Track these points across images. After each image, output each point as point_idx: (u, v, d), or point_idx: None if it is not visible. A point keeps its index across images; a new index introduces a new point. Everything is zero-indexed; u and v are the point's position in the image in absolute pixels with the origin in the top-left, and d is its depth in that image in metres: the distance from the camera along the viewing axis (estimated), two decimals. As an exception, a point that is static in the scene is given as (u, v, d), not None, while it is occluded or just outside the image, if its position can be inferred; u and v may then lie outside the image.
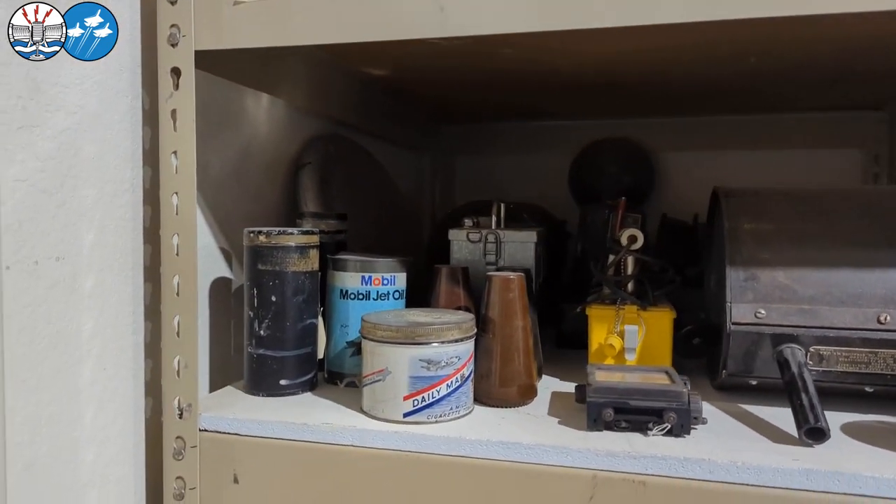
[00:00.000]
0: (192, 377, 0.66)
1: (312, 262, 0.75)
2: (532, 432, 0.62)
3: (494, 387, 0.70)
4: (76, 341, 0.63)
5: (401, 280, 0.79)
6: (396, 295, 0.78)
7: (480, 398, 0.70)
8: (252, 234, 0.73)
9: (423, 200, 1.46)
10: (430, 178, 1.48)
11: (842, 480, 0.53)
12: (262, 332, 0.72)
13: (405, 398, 0.64)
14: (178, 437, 0.67)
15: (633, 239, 0.78)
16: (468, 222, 0.87)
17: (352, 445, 0.63)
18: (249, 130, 0.86)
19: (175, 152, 0.66)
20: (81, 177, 0.63)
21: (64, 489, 0.62)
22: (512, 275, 0.71)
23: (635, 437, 0.61)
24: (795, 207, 0.71)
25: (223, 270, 0.81)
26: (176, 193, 0.66)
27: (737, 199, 0.73)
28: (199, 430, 0.67)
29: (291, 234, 0.73)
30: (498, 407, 0.70)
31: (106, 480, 0.66)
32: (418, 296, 0.81)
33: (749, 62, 0.92)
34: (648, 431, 0.61)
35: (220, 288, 0.79)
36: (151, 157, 0.71)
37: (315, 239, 0.75)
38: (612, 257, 0.81)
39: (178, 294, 0.66)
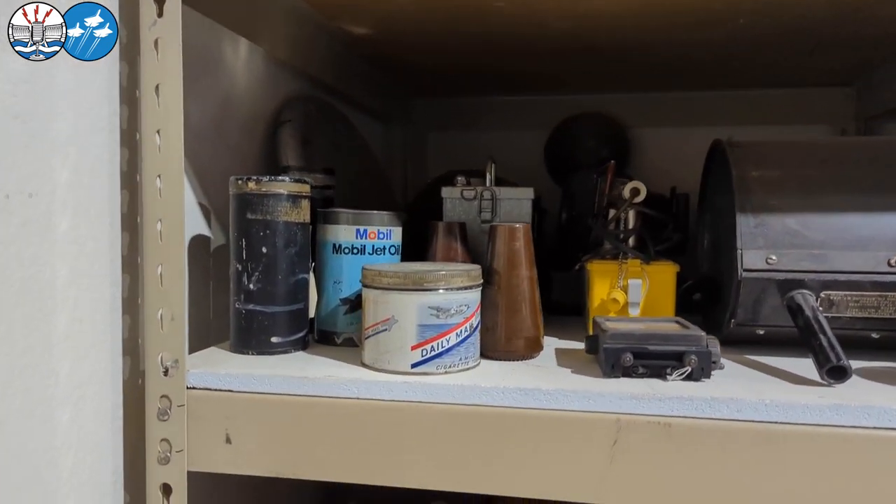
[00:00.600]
0: (179, 331, 0.61)
1: (304, 213, 0.70)
2: (548, 381, 0.59)
3: (500, 340, 0.67)
4: (50, 289, 0.57)
5: (396, 234, 0.75)
6: (392, 250, 0.74)
7: (485, 352, 0.67)
8: (240, 182, 0.68)
9: (395, 175, 1.42)
10: (402, 152, 1.44)
11: (872, 414, 0.52)
12: (251, 286, 0.67)
13: (413, 348, 0.61)
14: (162, 397, 0.61)
15: (636, 192, 0.77)
16: (461, 180, 0.84)
17: (357, 398, 0.59)
18: (228, 81, 0.81)
19: (158, 86, 0.60)
20: (56, 108, 0.57)
21: (38, 452, 0.56)
22: (517, 224, 0.68)
23: (655, 382, 0.58)
24: (801, 156, 0.71)
25: (201, 227, 0.75)
26: (159, 131, 0.61)
27: (742, 148, 0.72)
28: (187, 387, 0.61)
29: (283, 181, 0.68)
30: (504, 360, 0.67)
31: (82, 444, 0.60)
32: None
33: (738, 23, 0.92)
34: (668, 376, 0.59)
35: (198, 246, 0.74)
36: (128, 94, 0.65)
37: (307, 189, 0.70)
38: (612, 212, 0.79)
39: (161, 240, 0.61)
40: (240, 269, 0.68)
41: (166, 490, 0.61)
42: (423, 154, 1.48)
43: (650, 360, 0.59)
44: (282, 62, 0.92)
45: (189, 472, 0.61)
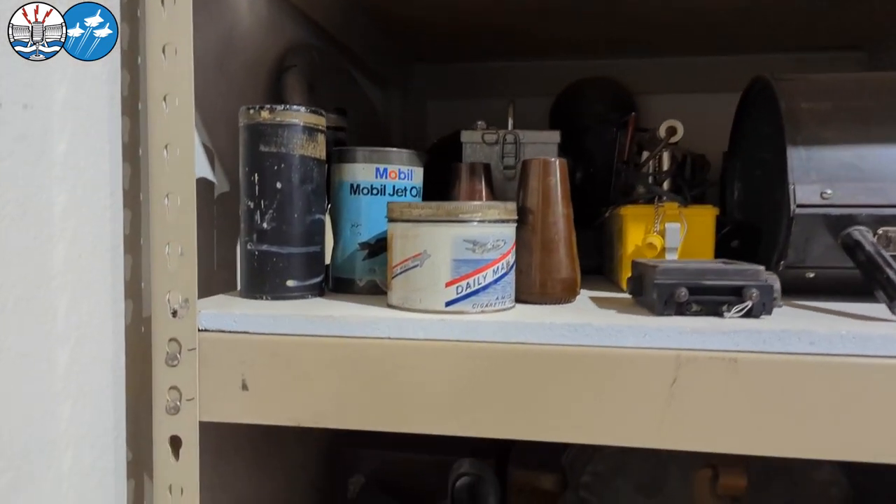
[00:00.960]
0: (189, 267, 0.55)
1: (320, 148, 0.65)
2: (596, 318, 0.54)
3: (535, 283, 0.62)
4: (48, 216, 0.51)
5: (417, 176, 0.70)
6: (413, 192, 0.69)
7: (519, 296, 0.62)
8: (252, 111, 0.62)
9: (394, 143, 1.37)
10: (401, 119, 1.39)
11: (956, 345, 0.48)
12: (264, 225, 0.62)
13: (447, 284, 0.55)
14: (171, 340, 0.56)
15: (672, 131, 0.72)
16: (481, 124, 0.79)
17: (388, 338, 0.54)
18: (231, 18, 0.75)
19: (165, -4, 0.54)
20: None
21: (35, 397, 0.50)
22: (552, 158, 0.64)
23: (712, 320, 0.54)
24: (852, 88, 0.67)
25: (205, 171, 0.69)
26: (165, 46, 0.55)
27: (789, 81, 0.68)
28: (199, 330, 0.56)
29: (298, 111, 0.62)
30: (540, 304, 0.62)
31: (82, 392, 0.54)
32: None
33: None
34: (725, 313, 0.55)
35: (200, 191, 0.68)
36: (129, 12, 0.59)
37: (323, 121, 0.65)
38: (646, 154, 0.75)
39: (167, 167, 0.55)
40: (251, 206, 0.62)
41: (175, 443, 0.56)
42: (422, 122, 1.43)
43: (706, 296, 0.55)
44: (285, 1, 0.86)
45: (201, 423, 0.55)
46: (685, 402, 0.50)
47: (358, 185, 0.67)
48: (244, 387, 0.55)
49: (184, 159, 0.55)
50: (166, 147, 0.55)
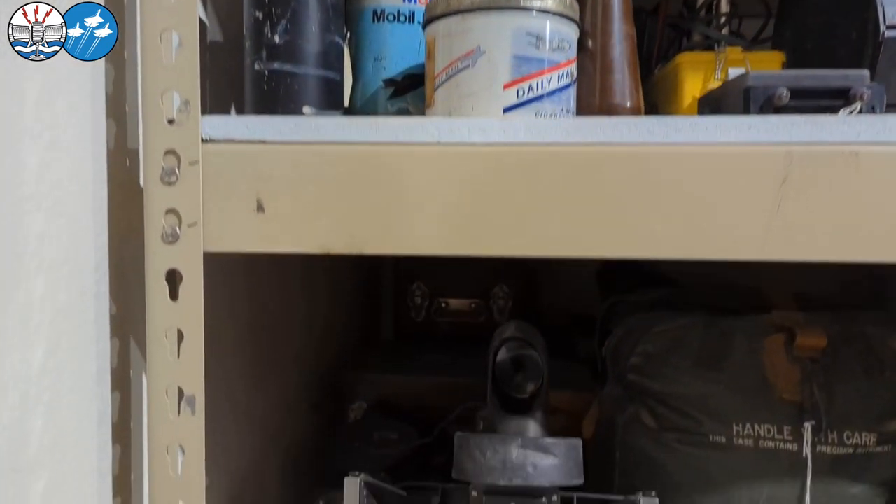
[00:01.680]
0: (190, 61, 0.45)
1: (340, -43, 0.55)
2: (681, 125, 0.46)
3: (595, 110, 0.53)
4: (11, -29, 0.40)
5: (449, 6, 0.60)
6: (444, 24, 0.60)
7: (576, 128, 0.53)
8: None
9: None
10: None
11: None
12: (276, 39, 0.52)
13: (506, 86, 0.46)
14: (168, 153, 0.45)
15: (732, -34, 0.64)
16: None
17: (439, 143, 0.44)
18: None
19: None
20: None
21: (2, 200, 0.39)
22: (612, -30, 0.55)
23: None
24: None
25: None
26: None
27: None
28: (202, 140, 0.45)
29: None
30: (601, 135, 0.53)
31: (54, 211, 0.43)
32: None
33: None
34: (830, 120, 0.47)
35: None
36: None
37: (343, -74, 0.55)
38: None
39: (165, -57, 0.45)
40: (260, 17, 0.52)
41: (174, 278, 0.45)
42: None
43: (808, 101, 0.47)
44: None
45: (206, 254, 0.45)
46: (797, 204, 0.42)
47: (382, 11, 0.57)
48: (260, 207, 0.45)
49: (184, -73, 0.45)
50: (161, -83, 0.45)
